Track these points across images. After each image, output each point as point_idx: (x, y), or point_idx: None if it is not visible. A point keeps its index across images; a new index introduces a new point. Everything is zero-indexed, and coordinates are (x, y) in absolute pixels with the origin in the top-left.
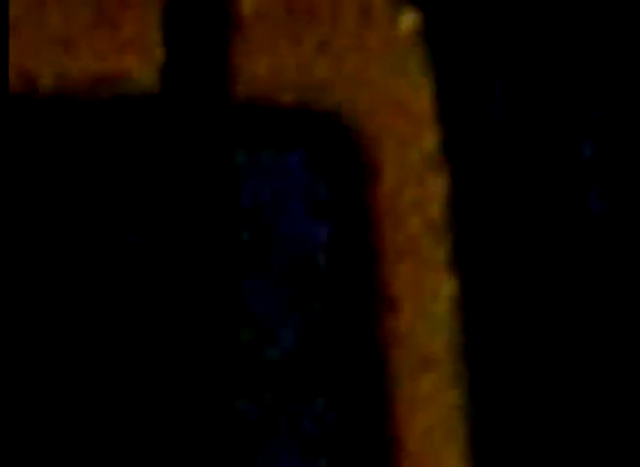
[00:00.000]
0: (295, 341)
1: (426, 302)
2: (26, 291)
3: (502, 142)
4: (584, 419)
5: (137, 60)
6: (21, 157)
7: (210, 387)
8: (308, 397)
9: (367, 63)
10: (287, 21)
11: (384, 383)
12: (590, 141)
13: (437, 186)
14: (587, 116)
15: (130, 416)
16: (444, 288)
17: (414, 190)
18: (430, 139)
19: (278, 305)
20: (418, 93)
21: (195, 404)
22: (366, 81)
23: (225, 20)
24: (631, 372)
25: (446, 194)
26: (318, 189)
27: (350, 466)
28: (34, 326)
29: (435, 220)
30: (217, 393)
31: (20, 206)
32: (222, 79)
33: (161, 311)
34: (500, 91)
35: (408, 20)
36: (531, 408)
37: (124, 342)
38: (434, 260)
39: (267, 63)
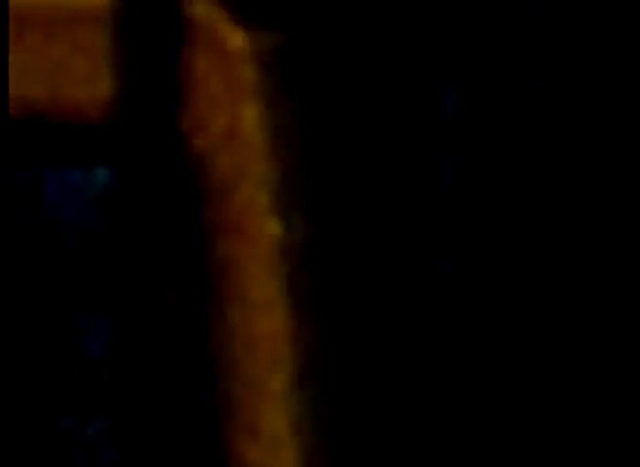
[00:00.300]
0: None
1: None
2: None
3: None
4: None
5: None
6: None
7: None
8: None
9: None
10: None
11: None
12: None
13: (273, 222)
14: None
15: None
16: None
17: (246, 218)
18: (266, 168)
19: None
20: (252, 117)
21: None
22: (192, 101)
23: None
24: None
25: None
26: None
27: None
28: None
29: (266, 244)
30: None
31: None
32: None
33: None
34: (361, 122)
35: (239, 40)
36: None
37: None
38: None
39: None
